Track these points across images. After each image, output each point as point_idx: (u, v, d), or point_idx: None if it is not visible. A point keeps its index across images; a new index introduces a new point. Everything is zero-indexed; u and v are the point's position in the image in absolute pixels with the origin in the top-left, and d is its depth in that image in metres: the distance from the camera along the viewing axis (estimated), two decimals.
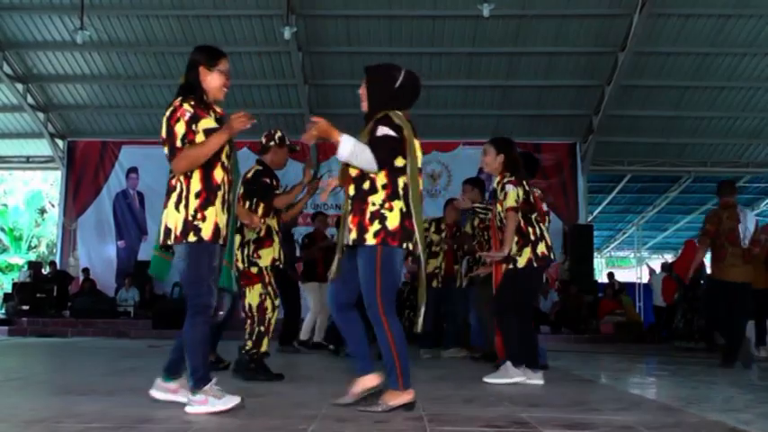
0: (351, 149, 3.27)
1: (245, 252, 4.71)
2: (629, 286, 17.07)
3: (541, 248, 4.78)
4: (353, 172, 3.37)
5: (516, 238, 4.77)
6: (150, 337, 10.63)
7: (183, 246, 3.24)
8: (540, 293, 11.65)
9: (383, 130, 3.32)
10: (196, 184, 3.26)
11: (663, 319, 12.42)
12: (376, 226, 3.27)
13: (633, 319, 12.99)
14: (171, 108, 3.30)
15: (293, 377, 5.02)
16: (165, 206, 3.31)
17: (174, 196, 3.27)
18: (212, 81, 3.38)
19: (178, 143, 3.23)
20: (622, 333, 12.18)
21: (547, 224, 5.07)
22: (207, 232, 3.23)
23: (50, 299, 13.47)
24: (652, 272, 14.63)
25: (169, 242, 3.27)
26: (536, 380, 4.71)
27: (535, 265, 4.75)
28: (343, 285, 3.46)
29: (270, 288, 4.73)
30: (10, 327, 12.24)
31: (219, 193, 3.30)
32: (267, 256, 4.73)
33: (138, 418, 2.98)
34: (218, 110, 3.44)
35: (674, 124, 14.67)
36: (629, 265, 29.97)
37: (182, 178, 3.27)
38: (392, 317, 3.29)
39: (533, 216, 4.83)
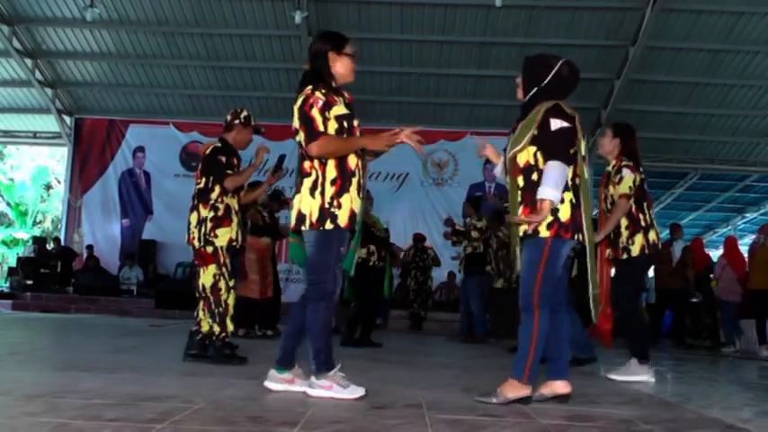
0: (555, 188, 3.17)
1: (202, 230, 4.49)
2: None
3: (652, 236, 4.66)
4: (522, 162, 3.32)
5: (626, 224, 4.66)
6: (152, 316, 10.69)
7: (316, 232, 3.24)
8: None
9: (557, 123, 3.26)
10: (332, 171, 3.27)
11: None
12: (549, 218, 3.22)
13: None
14: (302, 96, 3.33)
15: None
16: (298, 191, 3.30)
17: (309, 182, 3.27)
18: (342, 66, 3.41)
19: (320, 127, 3.24)
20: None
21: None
22: (343, 219, 3.24)
23: (54, 275, 13.55)
24: None
25: (303, 228, 3.26)
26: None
27: (647, 252, 4.62)
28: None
29: (224, 269, 4.53)
30: (14, 301, 12.33)
31: (354, 180, 3.30)
32: (224, 236, 4.53)
33: (139, 395, 3.00)
34: (347, 95, 3.44)
35: (682, 120, 14.61)
36: None
37: (317, 164, 3.27)
38: (544, 310, 3.24)
39: (644, 203, 4.73)
